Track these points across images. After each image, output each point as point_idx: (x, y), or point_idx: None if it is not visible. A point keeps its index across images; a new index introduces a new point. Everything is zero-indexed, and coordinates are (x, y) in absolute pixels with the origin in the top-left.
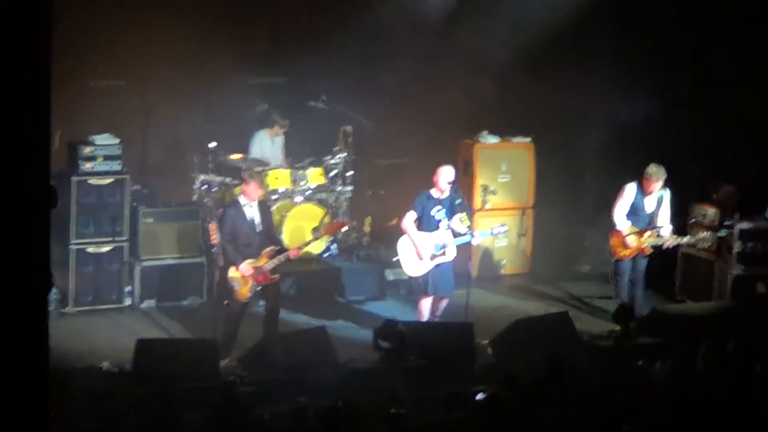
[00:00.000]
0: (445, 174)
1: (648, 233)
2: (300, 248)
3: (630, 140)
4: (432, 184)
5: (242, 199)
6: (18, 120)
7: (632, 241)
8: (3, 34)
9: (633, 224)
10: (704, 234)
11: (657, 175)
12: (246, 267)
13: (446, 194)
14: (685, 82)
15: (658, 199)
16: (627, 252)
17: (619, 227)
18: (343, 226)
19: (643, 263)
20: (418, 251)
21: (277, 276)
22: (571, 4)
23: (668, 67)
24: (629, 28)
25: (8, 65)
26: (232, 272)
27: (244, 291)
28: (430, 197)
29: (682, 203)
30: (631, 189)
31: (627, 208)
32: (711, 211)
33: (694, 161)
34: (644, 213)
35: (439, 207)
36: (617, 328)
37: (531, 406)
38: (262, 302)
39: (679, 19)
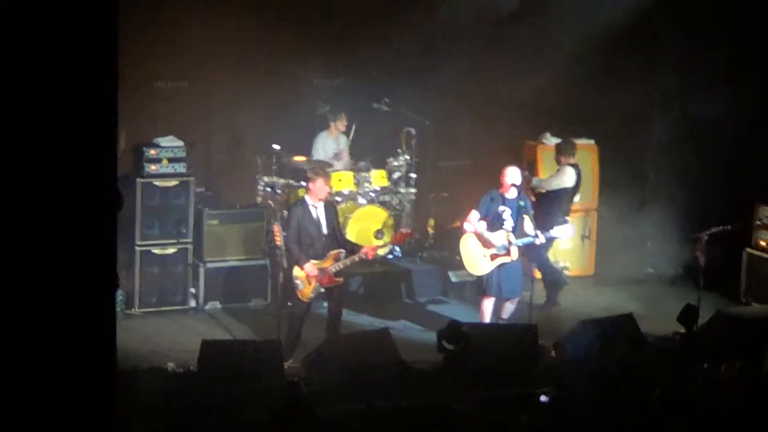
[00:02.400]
0: (511, 175)
1: None
2: (374, 249)
3: (693, 141)
4: (497, 185)
5: (308, 200)
6: (85, 123)
7: None
8: (71, 37)
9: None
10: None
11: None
12: (311, 267)
13: (511, 195)
14: (749, 82)
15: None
16: None
17: None
18: (407, 235)
19: None
20: (480, 250)
21: (341, 279)
22: (636, 3)
23: (731, 67)
24: (692, 29)
25: (76, 68)
26: (297, 272)
27: (306, 291)
28: (494, 198)
29: (749, 204)
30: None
31: None
32: None
33: (759, 161)
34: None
35: (504, 207)
36: (682, 329)
37: (595, 408)
38: (325, 303)
39: (740, 19)
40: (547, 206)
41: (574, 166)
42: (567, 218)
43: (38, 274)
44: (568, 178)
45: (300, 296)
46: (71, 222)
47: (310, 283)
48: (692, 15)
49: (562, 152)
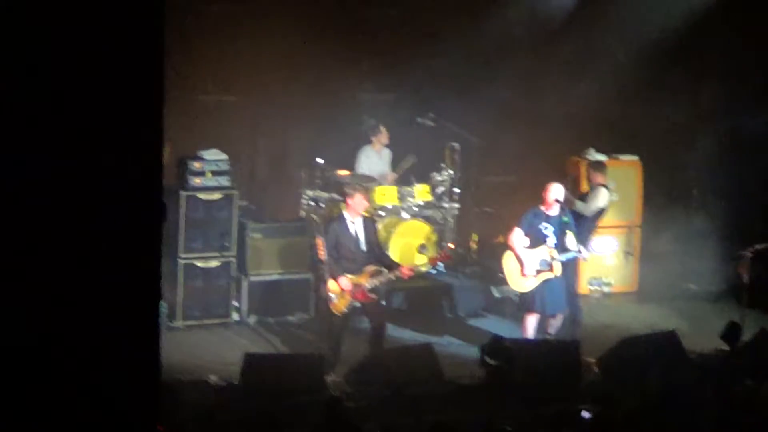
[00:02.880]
0: (554, 191)
1: None
2: (411, 269)
3: (738, 157)
4: (540, 201)
5: (347, 215)
6: (132, 134)
7: None
8: (118, 48)
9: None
10: None
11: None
12: (345, 281)
13: (554, 211)
14: None
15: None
16: None
17: None
18: (447, 258)
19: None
20: (523, 267)
21: (374, 296)
22: (682, 19)
23: None
24: (736, 45)
25: (122, 79)
26: (331, 285)
27: (340, 305)
28: (537, 214)
29: None
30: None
31: None
32: None
33: None
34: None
35: (546, 224)
36: (725, 347)
37: (637, 425)
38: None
39: None
40: (584, 227)
41: (605, 186)
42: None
43: (84, 287)
44: (602, 198)
45: (333, 309)
46: (116, 233)
47: (344, 297)
48: (739, 29)
49: (596, 172)
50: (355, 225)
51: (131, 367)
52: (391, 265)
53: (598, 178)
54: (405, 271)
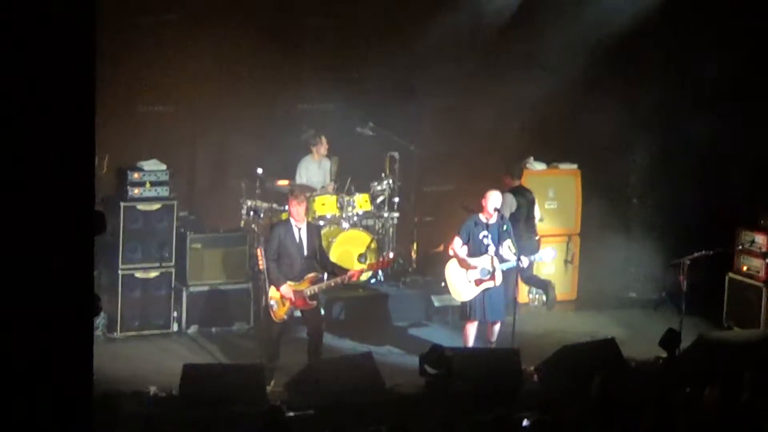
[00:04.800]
0: (493, 199)
1: None
2: (359, 272)
3: (676, 165)
4: (479, 210)
5: (293, 220)
6: (63, 146)
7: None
8: (47, 59)
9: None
10: None
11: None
12: (287, 289)
13: (493, 220)
14: (732, 106)
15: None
16: None
17: None
18: (387, 264)
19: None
20: (464, 277)
21: (314, 303)
22: (620, 25)
23: (714, 90)
24: (676, 51)
25: (52, 90)
26: (272, 292)
27: (280, 312)
28: (477, 222)
29: (731, 229)
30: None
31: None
32: (759, 238)
33: (740, 187)
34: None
35: (486, 232)
36: (664, 354)
37: None
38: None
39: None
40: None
41: (513, 191)
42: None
43: (16, 298)
44: (507, 205)
45: (273, 316)
46: (48, 245)
47: (284, 305)
48: (676, 36)
49: (506, 175)
50: (300, 231)
51: (65, 379)
52: (335, 271)
53: (507, 180)
54: (354, 274)
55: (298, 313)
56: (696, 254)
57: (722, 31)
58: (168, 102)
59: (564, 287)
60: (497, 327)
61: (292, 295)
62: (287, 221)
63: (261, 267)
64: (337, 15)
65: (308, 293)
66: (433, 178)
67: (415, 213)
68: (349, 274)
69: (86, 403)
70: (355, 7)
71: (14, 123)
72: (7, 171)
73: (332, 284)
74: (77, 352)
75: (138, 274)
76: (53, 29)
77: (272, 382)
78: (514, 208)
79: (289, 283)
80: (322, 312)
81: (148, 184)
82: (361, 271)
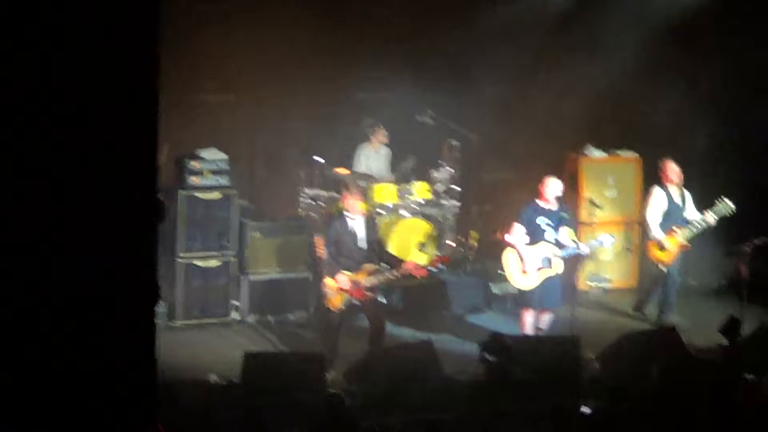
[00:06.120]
0: (553, 186)
1: (679, 230)
2: (416, 266)
3: (739, 151)
4: (537, 196)
5: (348, 213)
6: (127, 134)
7: (671, 244)
8: (111, 49)
9: (671, 224)
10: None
11: (675, 168)
12: (343, 278)
13: (553, 207)
14: None
15: (681, 194)
16: (670, 256)
17: (655, 234)
18: (445, 260)
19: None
20: (523, 265)
21: (372, 294)
22: (680, 17)
23: None
24: (738, 37)
25: (117, 79)
26: (328, 281)
27: (336, 301)
28: (536, 209)
29: None
30: (658, 193)
31: (660, 214)
32: None
33: None
34: (678, 211)
35: (546, 219)
36: (725, 342)
37: (637, 420)
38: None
39: None
40: None
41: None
42: None
43: (79, 286)
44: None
45: (330, 306)
46: (112, 233)
47: (340, 294)
48: (739, 23)
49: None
50: (356, 223)
51: (129, 367)
52: (394, 263)
53: None
54: (411, 268)
55: (357, 302)
56: (757, 241)
57: None
58: (228, 90)
59: (624, 275)
60: (549, 315)
61: (348, 285)
62: (342, 215)
63: (320, 255)
64: (396, 3)
65: (366, 284)
66: (492, 165)
67: (475, 201)
68: (405, 267)
69: (150, 392)
70: None
71: (79, 113)
72: (73, 160)
73: (391, 276)
74: (141, 341)
75: (198, 263)
76: (118, 18)
77: (332, 371)
78: None
79: (346, 273)
80: (384, 301)
81: (207, 173)
82: (420, 267)
